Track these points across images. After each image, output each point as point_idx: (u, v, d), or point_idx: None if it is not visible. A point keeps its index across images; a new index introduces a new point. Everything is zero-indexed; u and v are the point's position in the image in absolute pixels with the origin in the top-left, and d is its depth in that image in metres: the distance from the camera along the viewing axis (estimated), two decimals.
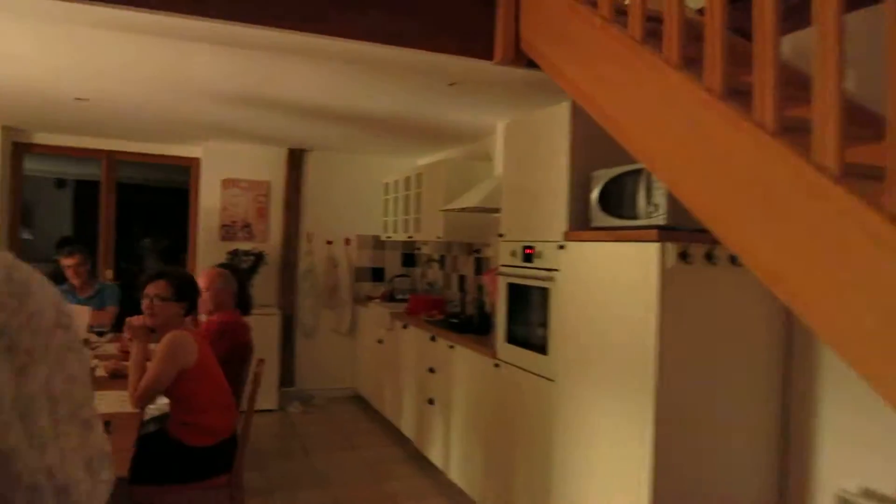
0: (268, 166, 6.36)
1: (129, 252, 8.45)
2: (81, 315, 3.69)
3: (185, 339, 2.73)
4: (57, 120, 5.43)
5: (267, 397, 5.83)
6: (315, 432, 5.37)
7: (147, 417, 3.41)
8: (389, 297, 6.32)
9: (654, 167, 2.11)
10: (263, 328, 5.80)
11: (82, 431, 0.55)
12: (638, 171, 2.61)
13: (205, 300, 3.56)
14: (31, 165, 8.58)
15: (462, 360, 4.03)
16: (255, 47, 3.06)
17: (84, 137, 6.12)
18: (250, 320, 5.80)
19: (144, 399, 2.66)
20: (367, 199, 6.63)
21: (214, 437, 2.81)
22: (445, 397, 4.25)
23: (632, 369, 2.46)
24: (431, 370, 4.47)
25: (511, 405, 3.39)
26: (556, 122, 3.09)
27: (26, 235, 9.08)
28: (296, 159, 6.39)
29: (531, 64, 2.92)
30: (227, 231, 6.24)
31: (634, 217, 2.61)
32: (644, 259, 2.42)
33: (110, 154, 6.26)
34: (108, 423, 2.40)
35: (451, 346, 4.16)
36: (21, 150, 6.00)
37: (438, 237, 5.08)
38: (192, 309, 2.91)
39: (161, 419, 3.13)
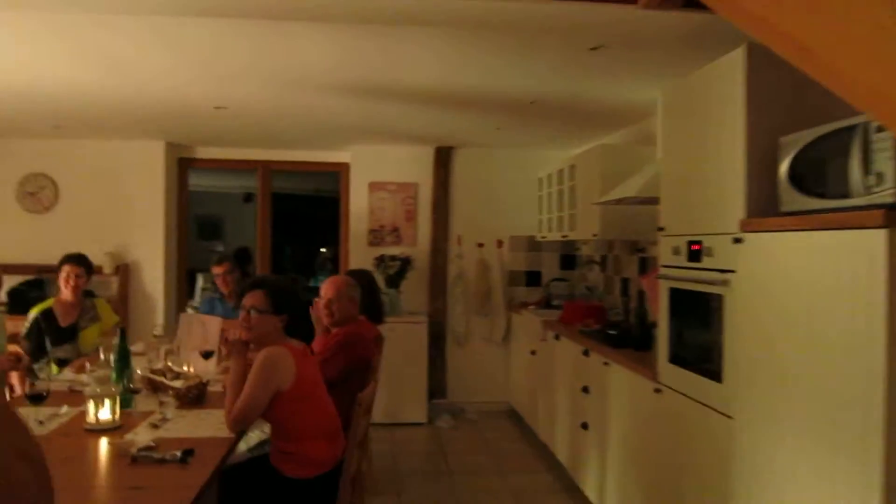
0: (415, 167, 6.09)
1: (293, 261, 8.68)
2: (212, 325, 3.57)
3: (281, 357, 2.41)
4: (214, 133, 5.55)
5: (415, 410, 5.52)
6: (463, 450, 4.95)
7: (253, 444, 3.17)
8: (546, 304, 5.75)
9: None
10: (411, 336, 5.52)
11: None
12: (849, 130, 1.85)
13: (331, 311, 3.26)
14: (218, 182, 9.15)
15: (618, 379, 3.37)
16: (364, 19, 2.68)
17: (241, 149, 6.26)
18: (395, 328, 5.65)
19: (239, 422, 2.37)
20: (520, 196, 6.12)
21: (315, 469, 2.46)
22: (601, 422, 3.61)
23: (848, 407, 1.71)
24: (585, 390, 3.85)
25: (676, 440, 2.70)
26: (726, 78, 2.38)
27: (219, 247, 9.76)
28: (443, 158, 6.06)
29: (690, 3, 2.25)
30: (375, 236, 6.05)
31: (845, 195, 1.86)
32: (864, 252, 1.68)
33: (265, 164, 6.34)
34: (191, 451, 2.12)
35: (606, 363, 3.53)
36: (185, 164, 6.26)
37: (594, 235, 4.44)
38: (294, 323, 2.60)
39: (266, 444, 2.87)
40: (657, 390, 2.87)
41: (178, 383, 2.81)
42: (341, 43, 3.01)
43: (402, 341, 5.48)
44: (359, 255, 5.98)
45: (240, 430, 2.40)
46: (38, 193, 5.76)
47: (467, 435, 5.33)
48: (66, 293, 3.85)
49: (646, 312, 3.65)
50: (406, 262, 5.76)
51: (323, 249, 10.19)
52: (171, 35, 2.94)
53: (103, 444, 2.25)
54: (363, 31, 2.85)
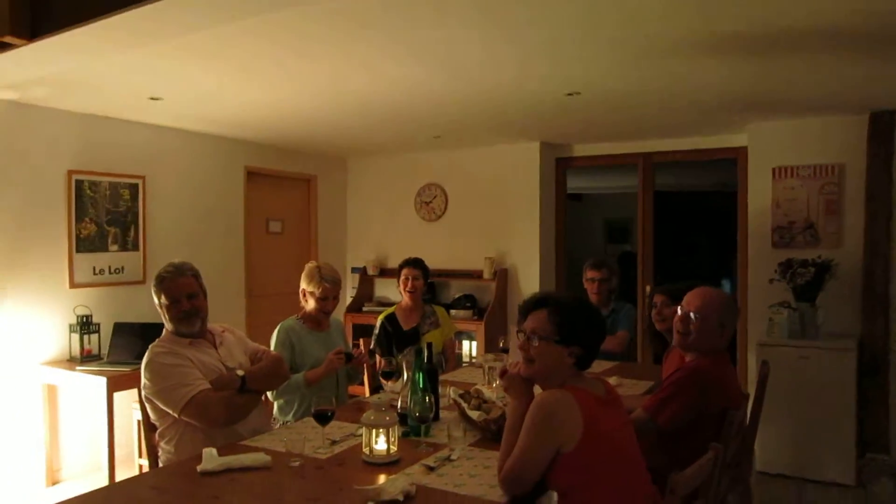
0: (839, 144, 4.62)
1: (676, 267, 7.65)
2: None
3: (561, 406, 1.77)
4: (585, 127, 5.13)
5: (837, 465, 4.14)
6: None
7: None
8: None
9: None
10: (832, 367, 4.23)
11: None
12: None
13: (686, 329, 2.45)
14: (617, 182, 8.75)
15: None
16: None
17: (620, 143, 5.68)
18: (808, 353, 4.26)
19: (510, 483, 1.81)
20: None
21: None
22: None
23: None
24: None
25: None
26: None
27: (628, 248, 9.41)
28: (883, 127, 4.44)
29: None
30: (782, 235, 4.78)
31: None
32: None
33: (646, 157, 5.63)
34: None
35: None
36: (563, 165, 5.96)
37: None
38: (586, 357, 1.93)
39: None
40: None
41: (475, 414, 2.39)
42: None
43: (818, 372, 4.17)
44: (761, 258, 4.81)
45: (514, 493, 1.83)
46: (431, 202, 6.15)
47: None
48: (405, 297, 3.90)
49: None
50: (824, 269, 4.37)
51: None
52: (508, 22, 2.67)
53: (354, 484, 1.92)
54: None
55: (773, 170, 4.80)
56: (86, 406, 4.35)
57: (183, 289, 2.52)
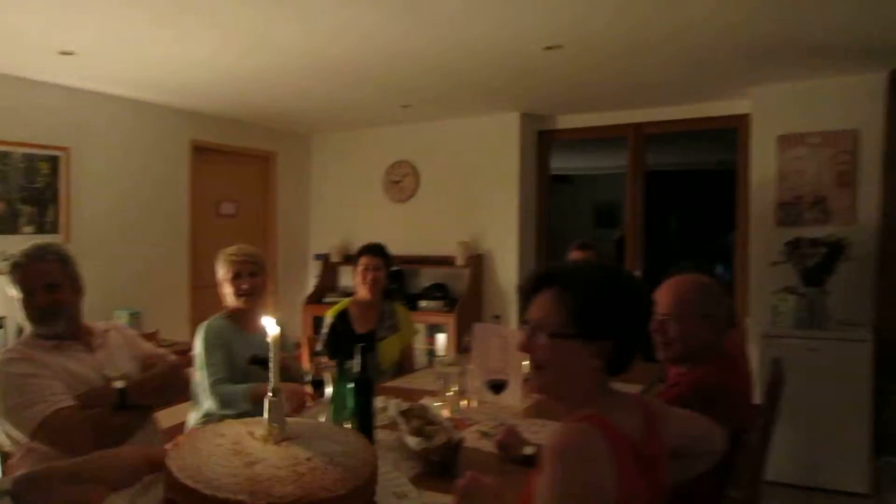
0: (853, 106, 4.09)
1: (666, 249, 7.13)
2: (515, 340, 2.55)
3: (588, 453, 1.18)
4: (570, 94, 4.60)
5: (849, 472, 3.63)
6: None
7: None
8: None
9: None
10: (844, 360, 3.71)
11: None
12: None
13: (667, 338, 1.92)
14: (607, 162, 8.19)
15: None
16: None
17: (609, 113, 5.13)
18: (817, 346, 3.74)
19: None
20: None
21: None
22: None
23: None
24: None
25: None
26: None
27: (616, 235, 8.88)
28: None
29: None
30: (788, 212, 4.26)
31: None
32: None
33: (637, 128, 5.08)
34: None
35: None
36: (546, 139, 5.41)
37: None
38: (622, 356, 1.32)
39: None
40: None
41: (413, 441, 1.85)
42: None
43: (828, 366, 3.66)
44: (764, 237, 4.29)
45: None
46: (401, 181, 5.60)
47: None
48: (362, 290, 3.26)
49: None
50: (837, 249, 3.84)
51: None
52: None
53: None
54: None
55: (779, 138, 4.27)
56: None
57: (40, 277, 1.96)
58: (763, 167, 4.34)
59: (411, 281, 5.49)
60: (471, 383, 2.51)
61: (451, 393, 2.48)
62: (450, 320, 4.91)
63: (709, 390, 1.77)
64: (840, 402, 3.65)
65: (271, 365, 1.05)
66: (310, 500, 0.82)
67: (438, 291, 5.20)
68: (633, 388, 2.70)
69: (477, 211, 5.28)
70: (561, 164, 7.09)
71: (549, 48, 3.43)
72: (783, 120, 4.27)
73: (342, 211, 5.91)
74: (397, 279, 5.11)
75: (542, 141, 5.41)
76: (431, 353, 4.56)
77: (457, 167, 5.38)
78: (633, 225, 5.12)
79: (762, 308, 4.17)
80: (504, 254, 5.20)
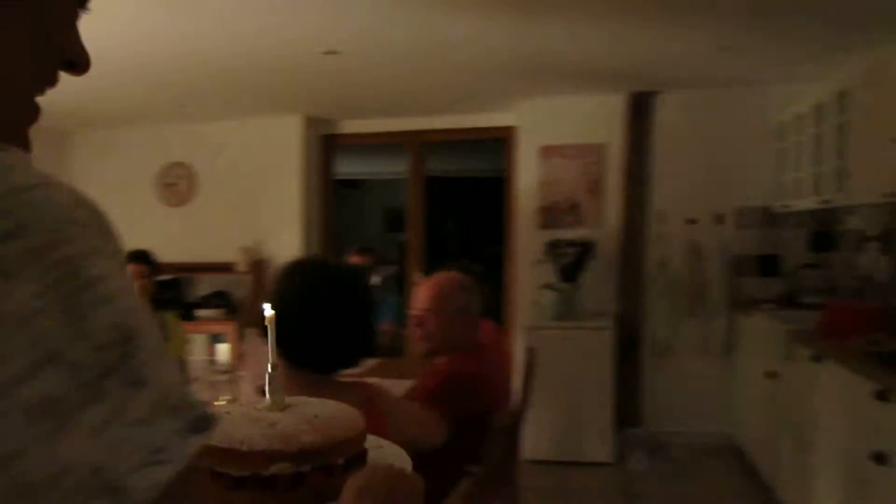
0: (601, 123, 4.64)
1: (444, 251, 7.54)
2: None
3: None
4: (353, 100, 4.67)
5: (597, 444, 4.11)
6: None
7: None
8: (789, 302, 4.03)
9: None
10: (592, 346, 4.17)
11: (24, 425, 0.29)
12: None
13: (425, 332, 2.05)
14: (398, 167, 8.34)
15: None
16: None
17: (391, 119, 5.29)
18: (570, 335, 4.23)
19: None
20: (749, 153, 4.40)
21: None
22: None
23: None
24: (879, 458, 2.21)
25: None
26: None
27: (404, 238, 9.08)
28: (639, 107, 4.53)
29: None
30: (548, 216, 4.72)
31: None
32: None
33: (416, 136, 5.31)
34: None
35: None
36: (330, 143, 5.44)
37: (885, 196, 2.70)
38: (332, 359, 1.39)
39: None
40: None
41: None
42: None
43: (579, 352, 4.12)
44: (530, 240, 4.71)
45: None
46: (176, 184, 5.29)
47: (670, 481, 3.82)
48: None
49: None
50: (586, 249, 4.35)
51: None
52: None
53: None
54: None
55: (540, 148, 4.72)
56: None
57: None
58: (527, 175, 4.77)
59: (189, 289, 5.20)
60: (244, 390, 2.46)
61: (223, 402, 2.41)
62: (231, 329, 4.73)
63: (461, 377, 1.93)
64: (589, 383, 4.12)
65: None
66: (334, 442, 0.95)
67: (219, 299, 4.99)
68: (410, 383, 2.83)
69: (259, 215, 5.15)
70: (350, 168, 7.17)
71: (327, 53, 3.47)
72: (544, 132, 4.72)
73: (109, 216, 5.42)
74: (172, 287, 4.82)
75: (327, 145, 5.43)
76: (213, 363, 4.37)
77: (238, 170, 5.20)
78: (415, 228, 5.33)
79: (527, 303, 4.58)
80: (287, 259, 5.13)
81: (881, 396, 2.20)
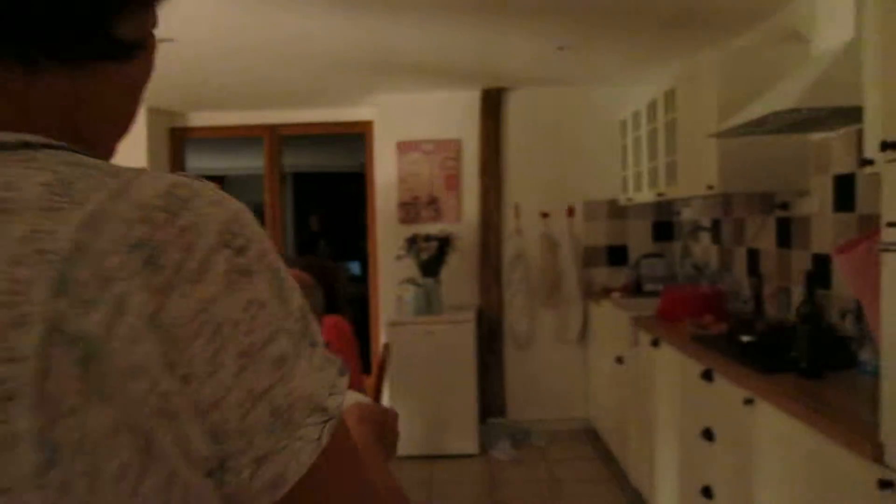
0: (457, 119, 4.68)
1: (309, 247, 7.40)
2: None
3: None
4: (202, 90, 4.38)
5: (462, 436, 4.17)
6: (528, 494, 3.59)
7: None
8: (635, 289, 4.28)
9: None
10: (455, 339, 4.21)
11: (271, 371, 0.45)
12: None
13: None
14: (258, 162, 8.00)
15: (778, 437, 1.90)
16: None
17: (246, 112, 5.04)
18: (433, 329, 4.22)
19: None
20: (596, 149, 4.62)
21: None
22: (740, 496, 2.15)
23: None
24: (708, 435, 2.38)
25: None
26: None
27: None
28: (492, 103, 4.61)
29: None
30: (408, 211, 4.70)
31: None
32: None
33: (273, 129, 5.10)
34: None
35: (750, 401, 2.05)
36: (179, 136, 5.11)
37: (709, 188, 2.91)
38: None
39: None
40: (885, 485, 1.39)
41: None
42: None
43: (442, 346, 4.14)
44: (388, 236, 4.67)
45: None
46: None
47: (533, 469, 3.94)
48: None
49: (818, 312, 2.12)
50: (445, 243, 4.38)
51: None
52: None
53: None
54: None
55: (398, 143, 4.69)
56: None
57: None
58: (386, 170, 4.73)
59: None
60: None
61: None
62: None
63: None
64: (453, 376, 4.16)
65: None
66: None
67: None
68: None
69: None
70: (206, 163, 6.79)
71: (160, 41, 3.22)
72: (401, 127, 4.69)
73: None
74: None
75: (175, 138, 5.10)
76: None
77: None
78: (274, 225, 5.14)
79: (390, 298, 4.55)
80: None
81: (706, 376, 2.36)
